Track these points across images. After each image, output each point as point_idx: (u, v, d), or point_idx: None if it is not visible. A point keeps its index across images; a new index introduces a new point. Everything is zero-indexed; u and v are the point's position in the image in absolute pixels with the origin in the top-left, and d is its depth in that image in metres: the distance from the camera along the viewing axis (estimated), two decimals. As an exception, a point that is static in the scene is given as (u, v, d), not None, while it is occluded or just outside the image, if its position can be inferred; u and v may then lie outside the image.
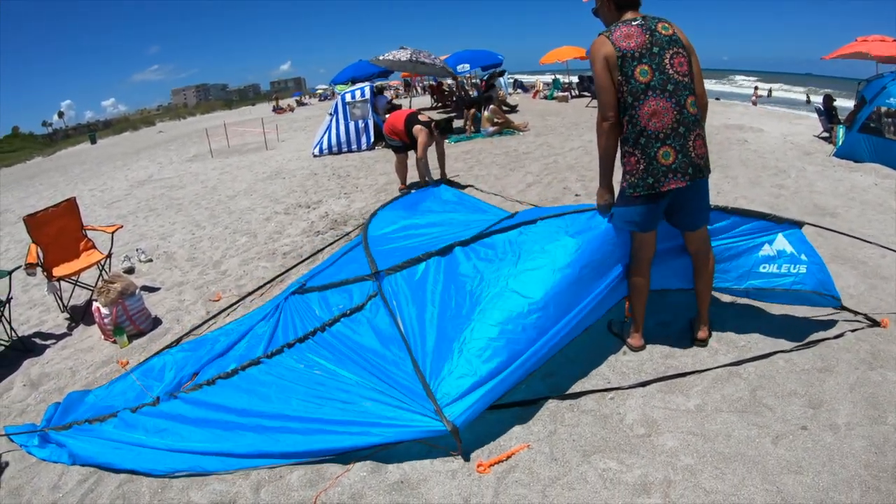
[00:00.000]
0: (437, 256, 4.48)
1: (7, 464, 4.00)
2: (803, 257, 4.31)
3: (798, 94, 47.40)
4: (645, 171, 3.74)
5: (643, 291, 4.27)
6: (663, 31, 3.71)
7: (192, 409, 4.06)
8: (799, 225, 4.36)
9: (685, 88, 3.72)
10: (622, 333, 4.59)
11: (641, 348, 4.44)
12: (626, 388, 4.02)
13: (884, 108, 11.09)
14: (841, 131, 12.09)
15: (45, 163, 36.88)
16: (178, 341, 5.40)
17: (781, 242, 4.30)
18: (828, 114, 14.08)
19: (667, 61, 3.68)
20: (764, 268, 4.33)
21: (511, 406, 3.90)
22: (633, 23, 3.73)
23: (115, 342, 5.61)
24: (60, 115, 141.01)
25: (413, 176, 10.24)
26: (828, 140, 13.01)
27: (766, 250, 4.30)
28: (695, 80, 3.80)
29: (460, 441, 3.44)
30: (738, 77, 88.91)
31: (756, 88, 36.86)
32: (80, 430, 4.12)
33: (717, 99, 33.68)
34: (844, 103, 18.73)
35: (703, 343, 4.39)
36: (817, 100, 25.63)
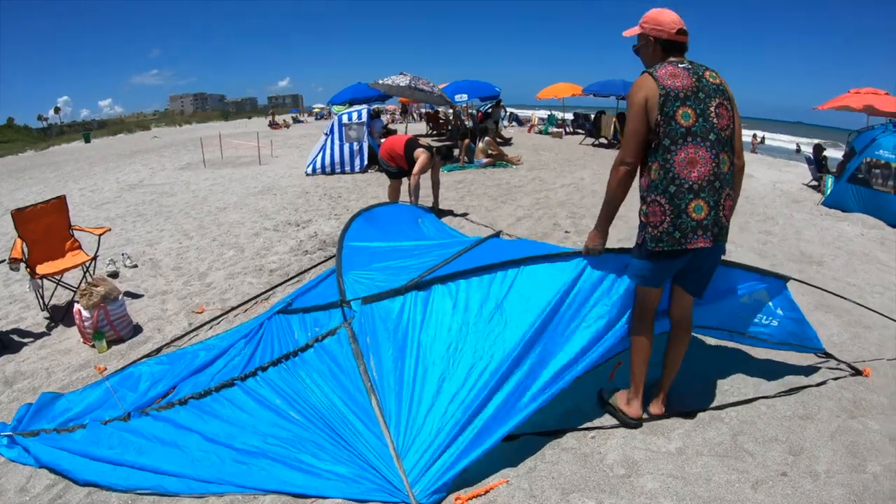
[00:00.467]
0: (415, 291, 4.14)
1: None
2: (779, 311, 4.38)
3: (788, 142, 47.87)
4: (672, 224, 3.44)
5: (646, 349, 3.90)
6: (710, 79, 3.51)
7: (161, 427, 4.02)
8: (784, 280, 4.38)
9: (726, 143, 3.49)
10: (615, 403, 4.13)
11: (639, 420, 4.02)
12: (608, 428, 4.02)
13: (873, 160, 11.33)
14: (830, 181, 12.36)
15: (38, 157, 36.65)
16: (157, 351, 5.38)
17: (762, 294, 4.34)
18: (817, 163, 14.35)
19: (712, 109, 3.44)
20: (740, 316, 4.37)
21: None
22: (680, 65, 3.52)
23: (93, 346, 5.57)
24: (57, 110, 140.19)
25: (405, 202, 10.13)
26: (816, 189, 13.34)
27: (745, 300, 4.31)
28: (735, 136, 3.59)
29: None
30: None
31: (755, 135, 37.38)
32: (46, 437, 4.09)
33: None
34: (834, 154, 19.02)
35: (659, 418, 4.08)
36: (807, 149, 26.00)
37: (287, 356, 4.27)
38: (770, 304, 4.36)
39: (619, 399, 4.09)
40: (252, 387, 4.19)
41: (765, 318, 4.39)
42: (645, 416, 4.06)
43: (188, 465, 3.68)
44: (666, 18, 3.59)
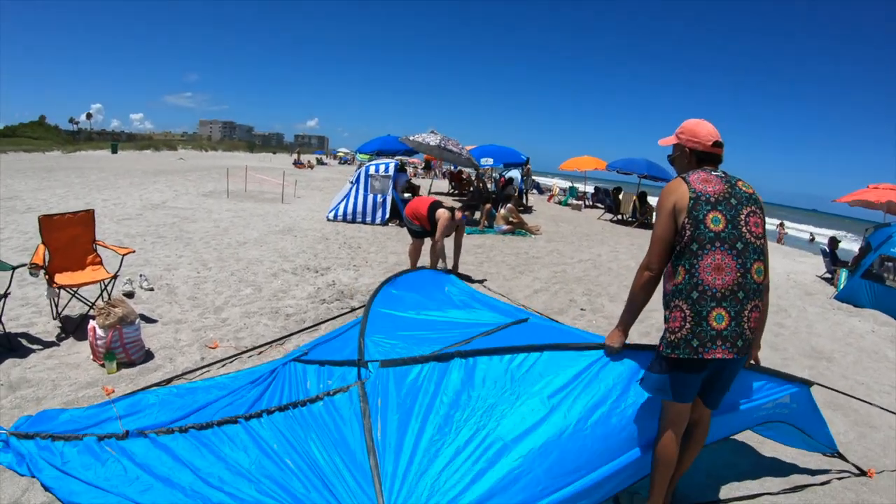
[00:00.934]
0: (434, 362, 4.12)
1: None
2: (793, 405, 4.34)
3: (802, 231, 47.94)
4: (690, 331, 3.31)
5: (670, 465, 3.66)
6: (743, 188, 3.47)
7: (157, 456, 4.01)
8: (808, 385, 4.33)
9: (755, 252, 3.37)
10: None
11: None
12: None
13: (887, 256, 11.36)
14: (843, 274, 12.38)
15: (64, 159, 37.04)
16: (167, 381, 5.35)
17: (785, 399, 4.27)
18: (832, 256, 14.35)
19: (742, 218, 3.37)
20: (758, 420, 4.30)
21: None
22: (713, 172, 3.51)
23: (103, 365, 5.54)
24: (89, 116, 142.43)
25: (424, 263, 10.19)
26: (830, 282, 13.35)
27: (768, 406, 4.22)
28: (765, 248, 3.48)
29: None
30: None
31: (781, 224, 36.85)
32: (41, 445, 4.07)
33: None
34: (847, 245, 19.07)
35: None
36: (822, 239, 26.01)
37: (296, 404, 4.24)
38: (794, 407, 4.32)
39: None
40: (255, 427, 4.15)
41: (785, 423, 4.37)
42: None
43: None
44: (703, 131, 3.61)
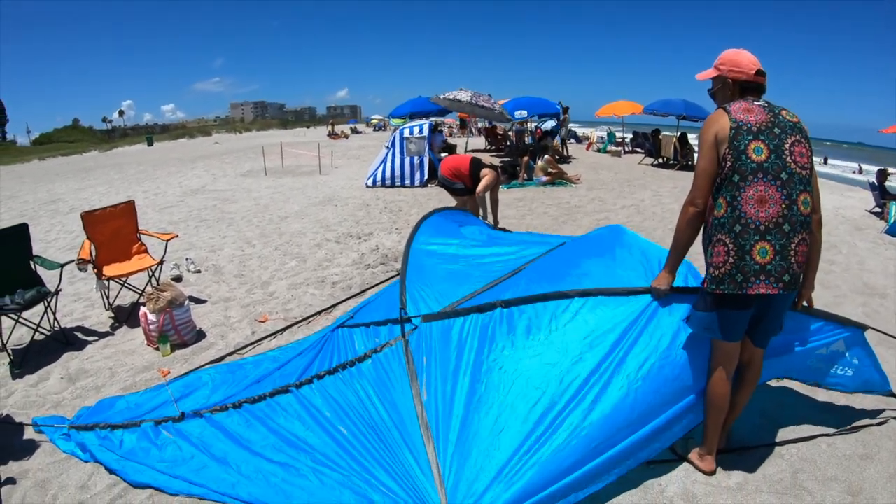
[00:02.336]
0: (476, 314, 4.05)
1: (35, 453, 4.04)
2: (855, 360, 4.18)
3: (848, 164, 46.88)
4: (734, 266, 3.22)
5: (723, 407, 3.65)
6: (788, 117, 3.32)
7: (212, 434, 4.06)
8: (862, 328, 4.16)
9: (801, 182, 3.23)
10: (686, 453, 3.93)
11: (712, 473, 3.78)
12: (669, 461, 3.92)
13: None
14: (894, 208, 11.95)
15: (102, 158, 37.56)
16: (221, 359, 5.39)
17: (839, 345, 4.12)
18: (881, 189, 13.87)
19: (787, 147, 3.23)
20: (814, 368, 4.18)
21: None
22: (756, 102, 3.36)
23: (157, 349, 5.61)
24: (121, 113, 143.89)
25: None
26: (880, 216, 12.85)
27: (822, 352, 4.10)
28: (812, 178, 3.34)
29: None
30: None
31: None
32: (101, 435, 4.13)
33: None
34: None
35: (711, 473, 3.79)
36: (868, 170, 25.18)
37: (344, 365, 4.27)
38: (847, 354, 4.16)
39: (692, 454, 3.88)
40: (306, 394, 4.20)
41: (840, 368, 4.19)
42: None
43: (238, 485, 3.64)
44: (744, 60, 3.46)
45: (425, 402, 3.72)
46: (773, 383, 4.68)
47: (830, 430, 4.28)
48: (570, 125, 31.57)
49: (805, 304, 3.81)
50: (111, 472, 3.81)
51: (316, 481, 3.57)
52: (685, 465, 3.88)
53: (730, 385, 3.60)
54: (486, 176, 9.35)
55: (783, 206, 3.17)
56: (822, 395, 4.66)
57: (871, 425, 4.36)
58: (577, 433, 3.39)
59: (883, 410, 4.57)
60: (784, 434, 4.24)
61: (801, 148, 3.27)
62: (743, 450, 4.04)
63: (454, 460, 3.38)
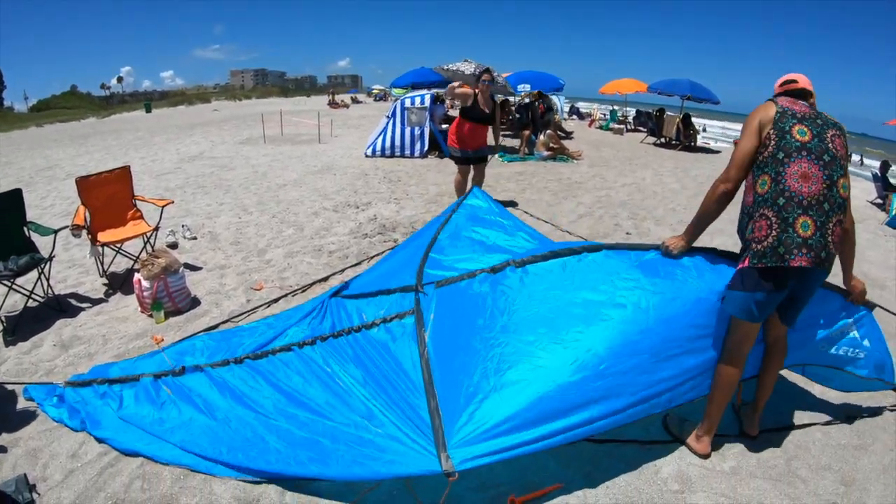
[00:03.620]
0: (487, 273, 4.16)
1: (27, 421, 4.01)
2: (866, 342, 4.13)
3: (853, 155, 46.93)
4: (777, 238, 3.27)
5: (731, 388, 3.68)
6: (829, 117, 3.49)
7: (212, 391, 4.08)
8: (870, 308, 4.13)
9: (840, 168, 3.34)
10: (681, 434, 3.98)
11: (707, 456, 3.83)
12: (665, 443, 3.96)
13: None
14: (895, 200, 11.92)
15: (99, 124, 37.32)
16: (215, 327, 5.36)
17: (850, 326, 4.11)
18: (884, 180, 13.82)
19: (828, 136, 3.37)
20: (824, 348, 4.13)
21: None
22: (801, 100, 3.55)
23: (151, 316, 5.56)
24: (120, 80, 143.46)
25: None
26: (881, 207, 12.84)
27: (836, 333, 4.08)
28: (847, 178, 3.43)
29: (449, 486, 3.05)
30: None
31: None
32: (99, 391, 4.16)
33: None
34: None
35: (706, 456, 3.83)
36: (870, 162, 25.05)
37: (349, 330, 4.38)
38: (857, 335, 4.13)
39: (688, 436, 3.91)
40: (308, 353, 4.30)
41: (851, 350, 4.14)
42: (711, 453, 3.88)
43: (237, 450, 3.61)
44: (780, 80, 3.83)
45: (430, 353, 3.78)
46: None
47: (825, 419, 4.33)
48: (574, 102, 31.51)
49: (853, 295, 4.02)
50: (100, 441, 3.78)
51: (326, 441, 3.55)
52: (680, 447, 3.91)
53: (742, 367, 3.64)
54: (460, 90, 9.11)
55: (824, 185, 3.26)
56: (818, 385, 4.66)
57: (867, 416, 4.42)
58: (581, 352, 3.44)
59: (877, 399, 4.61)
60: (779, 421, 4.29)
61: (840, 141, 3.41)
62: (737, 435, 4.06)
63: (454, 403, 3.36)
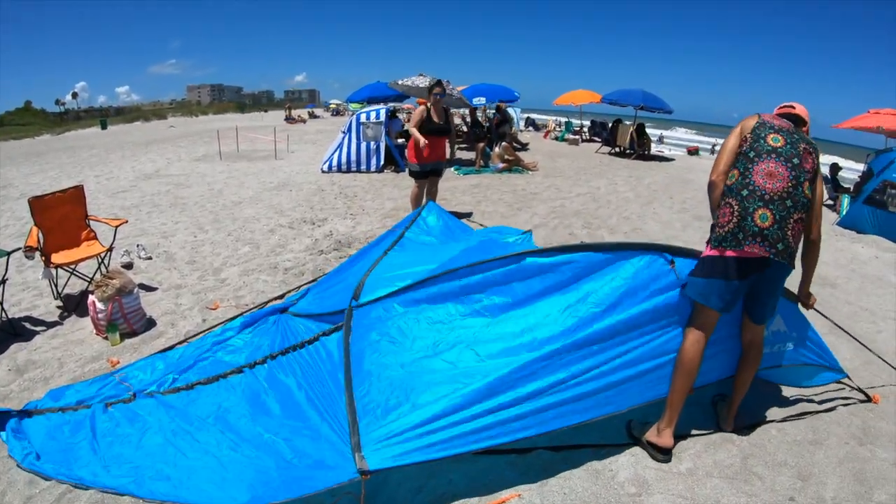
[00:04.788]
0: (407, 292, 4.28)
1: None
2: (793, 333, 4.38)
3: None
4: (737, 225, 3.55)
5: (691, 373, 3.77)
6: (807, 137, 3.80)
7: (163, 418, 4.13)
8: (795, 301, 4.35)
9: (807, 173, 3.62)
10: (645, 436, 3.97)
11: (668, 451, 3.87)
12: (620, 446, 4.02)
13: (890, 182, 11.31)
14: (845, 200, 12.33)
15: (54, 141, 36.69)
16: (170, 348, 5.35)
17: (778, 323, 4.32)
18: (834, 182, 14.22)
19: (800, 148, 3.67)
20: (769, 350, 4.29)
21: (504, 453, 3.84)
22: (787, 121, 3.87)
23: (106, 338, 5.54)
24: (74, 95, 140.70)
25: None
26: (832, 208, 13.24)
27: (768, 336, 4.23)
28: (815, 188, 3.73)
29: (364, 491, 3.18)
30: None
31: None
32: (53, 417, 4.17)
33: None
34: (852, 169, 18.88)
35: (668, 451, 3.88)
36: (822, 166, 25.71)
37: (295, 347, 4.65)
38: (786, 329, 4.36)
39: (649, 433, 3.95)
40: (259, 374, 4.51)
41: (782, 344, 4.38)
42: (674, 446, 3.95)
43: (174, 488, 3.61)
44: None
45: (352, 362, 3.91)
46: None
47: (780, 416, 4.45)
48: (530, 114, 31.77)
49: (808, 304, 4.30)
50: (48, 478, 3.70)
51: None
52: (636, 450, 3.98)
53: (702, 351, 3.75)
54: (415, 113, 9.37)
55: (790, 183, 3.55)
56: (772, 382, 4.79)
57: (820, 412, 4.55)
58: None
59: (833, 398, 4.76)
60: (735, 422, 4.33)
61: (811, 157, 3.69)
62: (693, 436, 4.15)
63: (368, 414, 3.51)
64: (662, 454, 3.85)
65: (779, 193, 3.52)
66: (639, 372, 3.79)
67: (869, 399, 4.78)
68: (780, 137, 3.69)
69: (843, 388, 4.88)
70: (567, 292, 3.84)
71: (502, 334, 3.77)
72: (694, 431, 4.20)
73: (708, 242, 3.76)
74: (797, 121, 3.92)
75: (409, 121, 25.24)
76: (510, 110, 24.61)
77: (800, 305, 4.34)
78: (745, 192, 3.58)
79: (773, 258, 3.51)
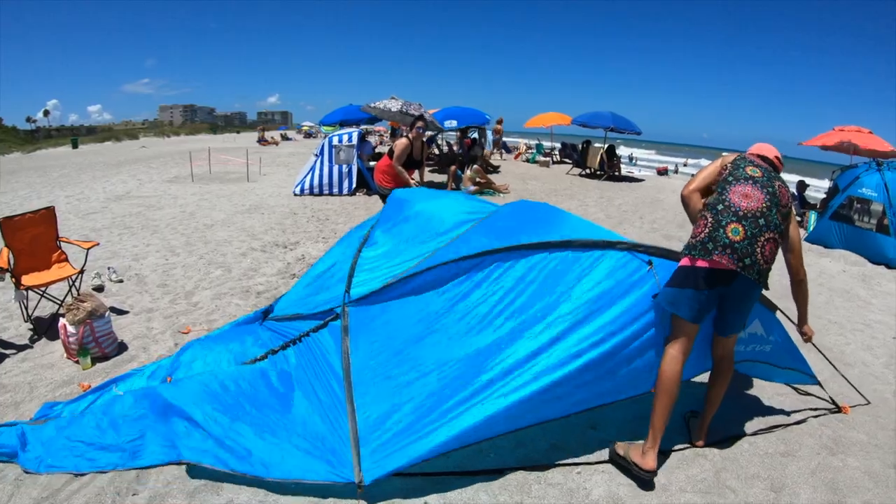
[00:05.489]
0: (398, 295, 4.41)
1: None
2: (772, 337, 4.52)
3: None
4: (708, 235, 3.74)
5: (672, 390, 3.83)
6: (781, 177, 4.14)
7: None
8: (773, 310, 4.47)
9: (782, 206, 3.90)
10: (629, 456, 3.95)
11: (653, 473, 3.84)
12: (594, 464, 4.08)
13: (856, 198, 11.59)
14: (812, 216, 12.60)
15: (25, 160, 36.28)
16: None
17: (755, 326, 4.44)
18: (801, 199, 14.50)
19: (776, 182, 3.98)
20: (743, 350, 4.47)
21: (478, 474, 3.91)
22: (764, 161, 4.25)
23: (77, 362, 5.52)
24: (46, 113, 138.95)
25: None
26: (799, 224, 13.41)
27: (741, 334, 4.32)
28: (790, 224, 4.07)
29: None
30: (725, 153, 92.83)
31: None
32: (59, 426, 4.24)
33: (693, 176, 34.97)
34: (817, 187, 19.19)
35: (652, 473, 3.86)
36: (788, 180, 26.18)
37: (295, 340, 4.83)
38: (763, 332, 4.49)
39: (633, 452, 3.95)
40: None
41: (758, 346, 4.54)
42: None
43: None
44: (756, 148, 4.46)
45: (352, 364, 4.10)
46: (696, 380, 4.85)
47: (752, 430, 4.56)
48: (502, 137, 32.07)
49: (808, 336, 4.56)
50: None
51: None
52: (609, 468, 4.05)
53: (681, 369, 3.85)
54: (397, 146, 9.36)
55: (764, 205, 3.80)
56: (745, 394, 4.99)
57: (791, 424, 4.68)
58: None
59: (804, 409, 4.92)
60: (706, 437, 4.42)
61: (785, 191, 4.02)
62: (665, 452, 4.22)
63: (367, 412, 3.78)
64: (647, 474, 3.84)
65: (752, 212, 3.74)
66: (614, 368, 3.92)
67: (839, 409, 4.97)
68: (757, 170, 4.00)
69: (814, 400, 5.06)
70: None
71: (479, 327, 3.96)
72: (666, 447, 4.26)
73: (681, 254, 3.91)
74: (773, 167, 4.25)
75: (380, 143, 25.30)
76: (475, 134, 24.93)
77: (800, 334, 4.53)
78: (720, 207, 3.81)
79: (739, 271, 3.64)
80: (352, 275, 4.88)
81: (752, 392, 5.18)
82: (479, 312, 3.99)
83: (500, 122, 30.18)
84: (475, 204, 5.83)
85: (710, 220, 3.80)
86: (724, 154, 4.41)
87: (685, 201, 4.26)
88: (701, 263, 3.71)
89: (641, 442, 3.97)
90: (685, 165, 36.69)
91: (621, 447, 4.09)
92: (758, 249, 3.69)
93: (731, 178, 3.96)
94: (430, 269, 4.28)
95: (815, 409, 4.98)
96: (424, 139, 9.61)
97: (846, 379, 5.41)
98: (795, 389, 5.28)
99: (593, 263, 3.99)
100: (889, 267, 10.86)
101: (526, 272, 4.04)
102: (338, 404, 3.96)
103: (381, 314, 4.33)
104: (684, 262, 3.82)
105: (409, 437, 3.57)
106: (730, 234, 3.68)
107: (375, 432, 3.65)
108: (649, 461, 3.82)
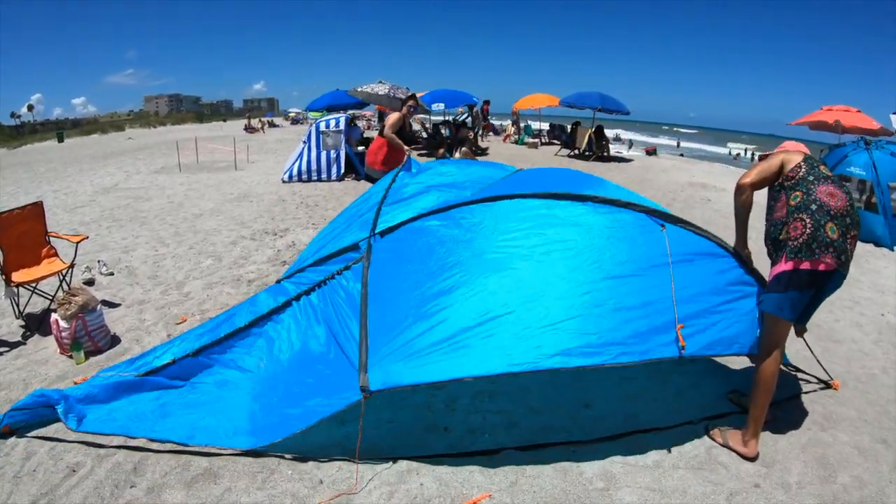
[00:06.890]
0: (424, 219, 4.68)
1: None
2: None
3: (759, 154, 49.05)
4: (811, 236, 3.80)
5: (772, 388, 4.00)
6: None
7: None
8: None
9: (852, 199, 4.00)
10: (728, 443, 4.15)
11: (755, 458, 4.03)
12: (587, 443, 4.13)
13: (844, 176, 11.60)
14: None
15: (10, 156, 35.96)
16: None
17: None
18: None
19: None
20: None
21: (473, 455, 3.97)
22: None
23: (71, 357, 5.52)
24: (30, 108, 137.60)
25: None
26: None
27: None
28: None
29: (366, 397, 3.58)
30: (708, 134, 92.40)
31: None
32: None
33: (682, 155, 34.96)
34: None
35: (755, 458, 4.06)
36: None
37: (320, 284, 5.07)
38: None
39: (733, 440, 4.14)
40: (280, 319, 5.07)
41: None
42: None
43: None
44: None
45: (368, 287, 4.32)
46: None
47: (743, 406, 4.54)
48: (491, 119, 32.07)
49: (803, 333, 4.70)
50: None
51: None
52: (603, 446, 4.10)
53: (777, 371, 3.98)
54: (390, 118, 9.41)
55: (847, 203, 3.90)
56: (736, 368, 5.05)
57: (782, 400, 4.70)
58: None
59: (790, 383, 5.00)
60: (697, 412, 4.54)
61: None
62: (658, 430, 4.29)
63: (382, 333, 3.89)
64: (750, 459, 4.02)
65: (840, 211, 3.83)
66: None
67: (829, 386, 5.03)
68: (826, 170, 4.07)
69: (804, 376, 5.12)
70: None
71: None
72: (659, 425, 4.34)
73: (779, 257, 4.00)
74: None
75: (368, 128, 25.20)
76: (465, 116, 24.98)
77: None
78: (814, 207, 3.85)
79: (839, 269, 3.81)
80: (376, 219, 5.09)
81: (742, 369, 5.22)
82: (507, 244, 4.13)
83: (487, 103, 30.09)
84: (496, 168, 6.19)
85: (808, 221, 3.84)
86: (784, 146, 4.45)
87: (740, 191, 4.26)
88: (804, 266, 3.81)
89: (735, 429, 4.18)
90: (681, 157, 36.68)
91: (718, 435, 4.25)
92: (848, 245, 3.85)
93: (811, 177, 4.00)
94: (459, 204, 4.56)
95: (806, 383, 5.06)
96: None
97: (819, 363, 5.44)
98: (786, 366, 5.31)
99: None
100: (877, 245, 11.05)
101: (552, 213, 4.27)
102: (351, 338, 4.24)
103: (410, 236, 4.58)
104: (787, 266, 3.89)
105: (419, 359, 3.61)
106: (829, 234, 3.78)
107: (385, 347, 3.75)
108: (752, 449, 4.03)
